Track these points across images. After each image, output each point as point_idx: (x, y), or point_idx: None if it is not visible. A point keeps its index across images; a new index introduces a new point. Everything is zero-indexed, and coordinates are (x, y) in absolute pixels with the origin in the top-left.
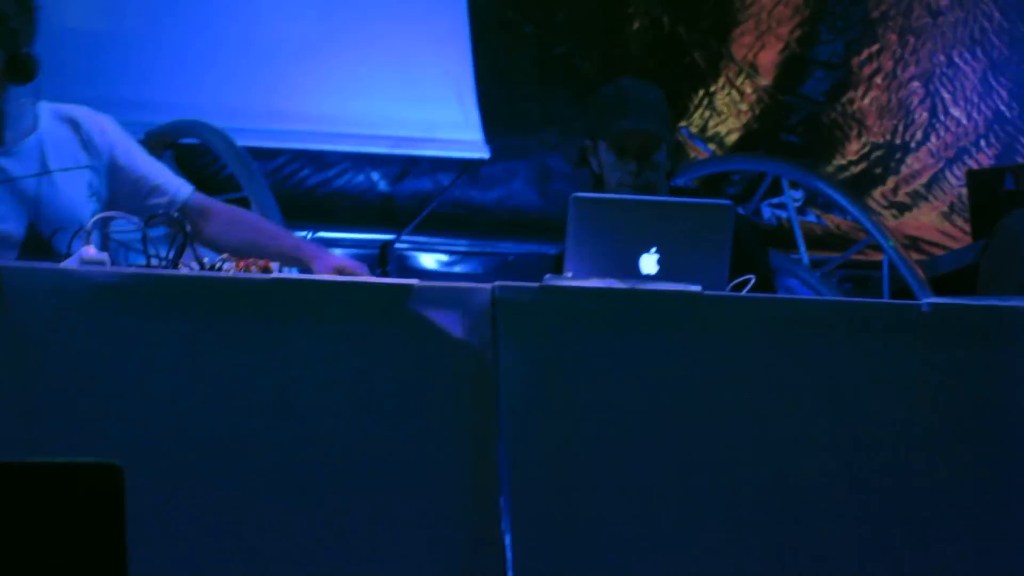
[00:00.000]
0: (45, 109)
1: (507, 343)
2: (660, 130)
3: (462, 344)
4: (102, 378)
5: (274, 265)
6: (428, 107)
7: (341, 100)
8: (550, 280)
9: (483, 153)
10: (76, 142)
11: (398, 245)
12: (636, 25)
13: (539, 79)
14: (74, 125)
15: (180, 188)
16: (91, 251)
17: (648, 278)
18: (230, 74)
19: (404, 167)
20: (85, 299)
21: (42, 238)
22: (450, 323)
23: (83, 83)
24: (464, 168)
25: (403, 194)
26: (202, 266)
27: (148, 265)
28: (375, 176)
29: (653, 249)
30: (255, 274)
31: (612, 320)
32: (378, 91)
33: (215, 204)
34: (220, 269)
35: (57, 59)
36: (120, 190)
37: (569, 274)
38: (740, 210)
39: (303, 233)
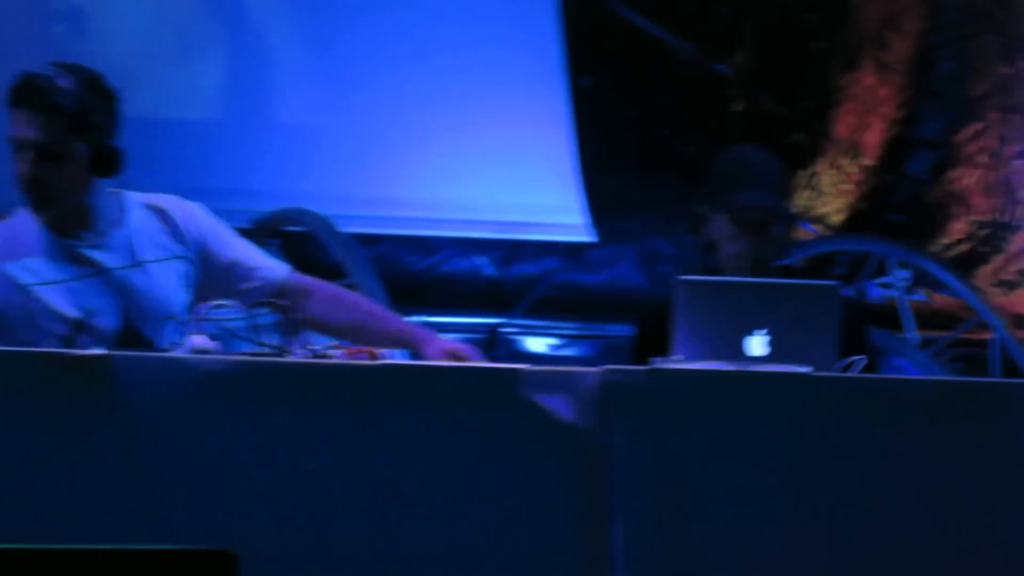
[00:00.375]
0: (133, 200)
1: (617, 426)
2: (779, 206)
3: (572, 428)
4: (213, 465)
5: (381, 351)
6: (532, 192)
7: (445, 186)
8: (658, 363)
9: (588, 237)
10: (166, 232)
11: (506, 329)
12: (738, 107)
13: (642, 162)
14: (163, 215)
15: (275, 269)
16: (200, 340)
17: (756, 360)
18: (334, 162)
19: (510, 251)
20: (195, 387)
21: (137, 330)
22: (560, 407)
23: (188, 173)
24: (569, 252)
25: (509, 278)
26: (313, 353)
27: (257, 353)
28: (481, 261)
29: (761, 331)
30: (364, 361)
31: (722, 402)
32: (482, 177)
33: (316, 284)
34: (328, 356)
35: (161, 149)
36: (214, 276)
37: (678, 357)
38: (845, 291)
39: (411, 318)
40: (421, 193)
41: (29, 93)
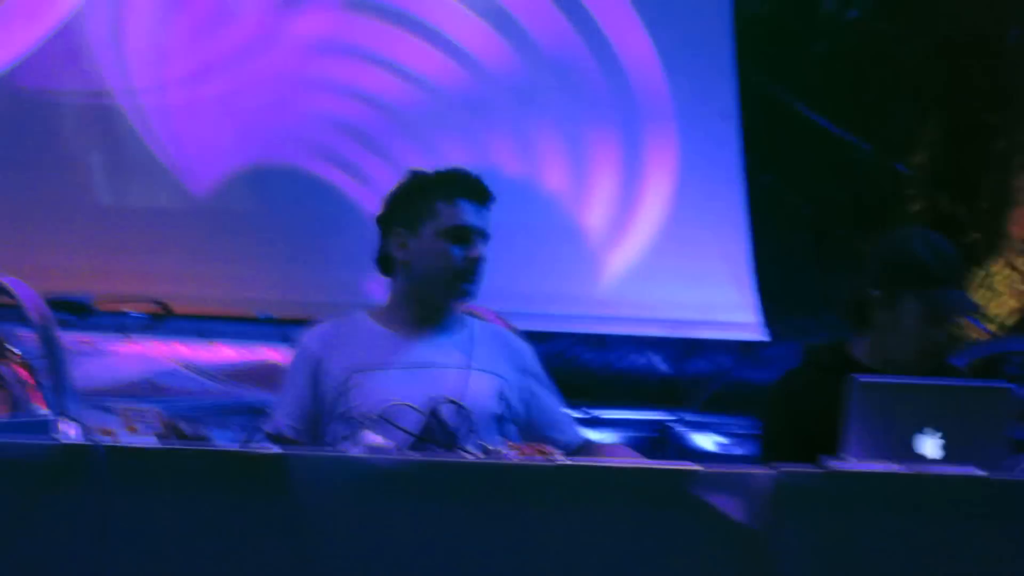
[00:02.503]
0: (479, 322)
1: (790, 527)
2: (975, 306)
3: (744, 529)
4: (387, 564)
5: (552, 449)
6: (708, 289)
7: (620, 283)
8: (830, 463)
9: (762, 335)
10: (502, 355)
11: (677, 427)
12: (915, 206)
13: (818, 260)
14: (504, 341)
15: (577, 433)
16: (374, 438)
17: (929, 461)
18: (509, 258)
19: (685, 349)
20: (369, 486)
21: (445, 430)
22: (731, 507)
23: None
24: (744, 350)
25: (684, 375)
26: (486, 452)
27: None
28: (655, 358)
29: (933, 431)
30: (536, 459)
31: (896, 504)
32: (658, 274)
33: (607, 448)
34: (503, 455)
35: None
36: (525, 415)
37: (851, 458)
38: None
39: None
40: (597, 290)
41: (476, 187)
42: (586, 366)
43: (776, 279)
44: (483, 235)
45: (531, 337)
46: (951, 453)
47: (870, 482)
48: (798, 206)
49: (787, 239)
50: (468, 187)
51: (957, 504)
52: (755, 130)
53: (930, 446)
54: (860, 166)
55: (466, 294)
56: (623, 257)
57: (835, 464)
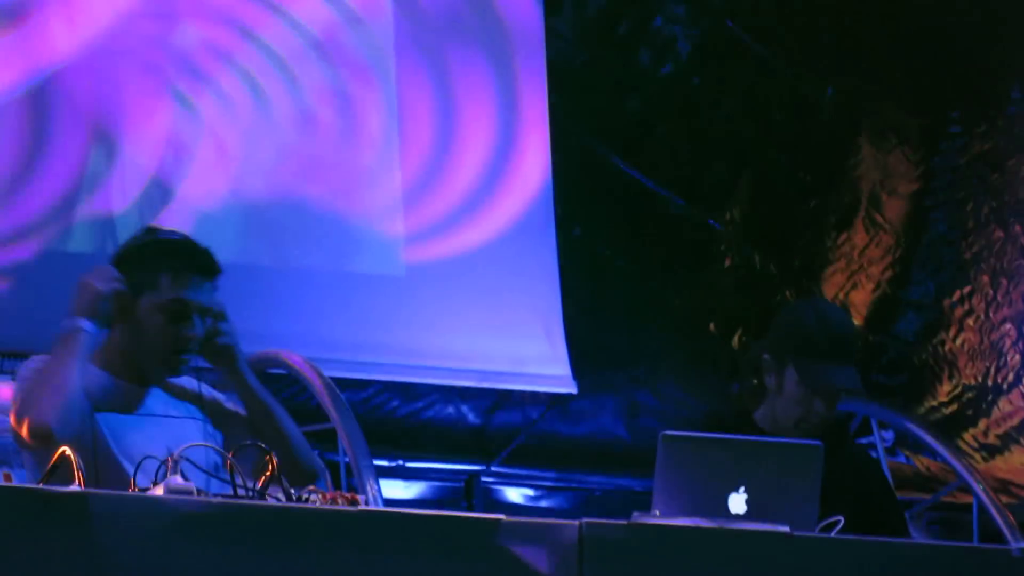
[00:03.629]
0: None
1: None
2: (860, 383)
3: None
4: None
5: (361, 496)
6: (517, 341)
7: (430, 333)
8: (638, 518)
9: (571, 388)
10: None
11: (484, 478)
12: (728, 263)
13: (628, 314)
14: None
15: None
16: (178, 480)
17: (736, 517)
18: (319, 305)
19: (494, 400)
20: (169, 527)
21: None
22: (536, 559)
23: None
24: (552, 402)
25: (491, 427)
26: (289, 497)
27: (234, 495)
28: (464, 408)
29: (742, 488)
30: (342, 506)
31: (699, 559)
32: (467, 325)
33: None
34: (307, 500)
35: None
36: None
37: (657, 512)
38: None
39: (386, 463)
40: (407, 340)
41: (207, 263)
42: (393, 414)
43: (587, 332)
44: (205, 311)
45: (339, 384)
46: (760, 509)
47: (673, 536)
48: (610, 259)
49: (599, 292)
50: (194, 261)
51: (760, 559)
52: (569, 182)
53: (738, 503)
54: (674, 220)
55: (179, 371)
56: (434, 306)
57: (640, 518)
